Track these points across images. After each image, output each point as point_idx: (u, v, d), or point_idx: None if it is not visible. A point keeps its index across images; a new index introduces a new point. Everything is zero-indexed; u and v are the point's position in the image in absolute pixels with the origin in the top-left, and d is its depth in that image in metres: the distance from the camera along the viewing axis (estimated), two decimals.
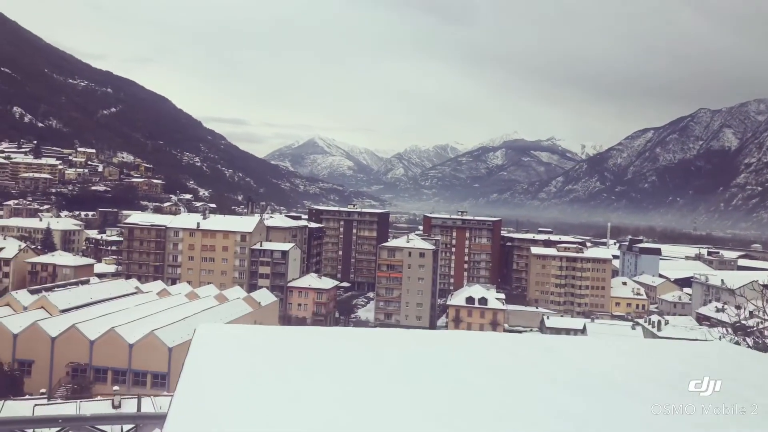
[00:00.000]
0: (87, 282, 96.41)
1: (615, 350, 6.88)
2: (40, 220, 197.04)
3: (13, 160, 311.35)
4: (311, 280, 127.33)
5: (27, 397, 55.36)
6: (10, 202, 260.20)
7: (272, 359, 5.06)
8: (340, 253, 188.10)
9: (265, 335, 6.20)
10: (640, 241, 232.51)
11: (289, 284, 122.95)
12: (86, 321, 71.02)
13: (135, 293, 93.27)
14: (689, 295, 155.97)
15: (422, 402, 4.47)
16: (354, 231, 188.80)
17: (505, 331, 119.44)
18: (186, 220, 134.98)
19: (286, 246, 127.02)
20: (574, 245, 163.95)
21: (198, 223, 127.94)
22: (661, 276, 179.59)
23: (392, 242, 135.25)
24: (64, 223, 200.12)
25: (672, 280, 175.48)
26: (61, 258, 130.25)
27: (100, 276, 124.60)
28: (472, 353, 5.90)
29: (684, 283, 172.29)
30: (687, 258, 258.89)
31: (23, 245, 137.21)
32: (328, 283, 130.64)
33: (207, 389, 4.32)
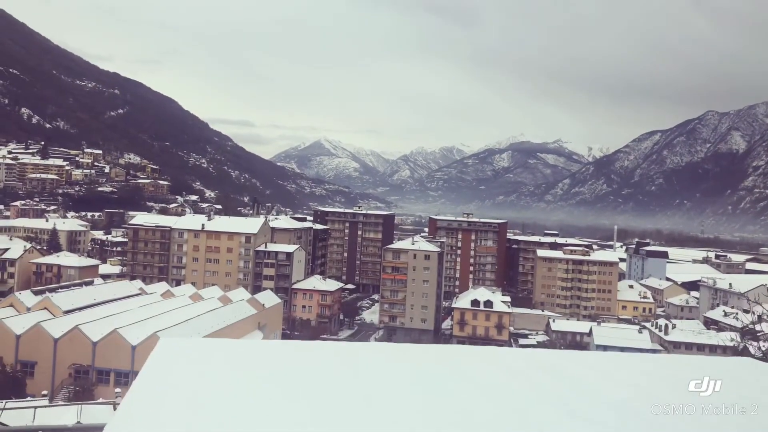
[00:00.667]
0: (91, 283, 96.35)
1: (618, 365, 6.37)
2: (47, 220, 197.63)
3: (21, 161, 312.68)
4: (316, 282, 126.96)
5: (28, 399, 55.14)
6: (17, 203, 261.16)
7: (229, 375, 4.69)
8: (345, 254, 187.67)
9: (229, 350, 5.78)
10: (647, 244, 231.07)
11: (294, 286, 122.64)
12: (89, 322, 70.78)
13: (139, 294, 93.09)
14: (696, 298, 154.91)
15: (390, 424, 4.03)
16: (359, 233, 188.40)
17: (511, 334, 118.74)
18: (191, 221, 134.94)
19: (290, 247, 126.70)
20: (581, 248, 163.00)
21: (203, 225, 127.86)
22: (668, 279, 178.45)
23: (397, 244, 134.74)
24: (70, 223, 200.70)
25: (679, 283, 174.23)
26: (66, 259, 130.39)
27: (105, 277, 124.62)
28: (458, 369, 5.40)
29: (691, 286, 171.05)
30: (694, 261, 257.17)
31: (29, 246, 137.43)
32: (332, 285, 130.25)
33: (152, 403, 4.06)
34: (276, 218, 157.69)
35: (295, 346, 6.24)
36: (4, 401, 51.83)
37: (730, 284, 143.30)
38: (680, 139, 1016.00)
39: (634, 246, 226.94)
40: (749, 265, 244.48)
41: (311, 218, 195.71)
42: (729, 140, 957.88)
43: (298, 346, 6.22)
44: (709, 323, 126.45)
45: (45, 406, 53.44)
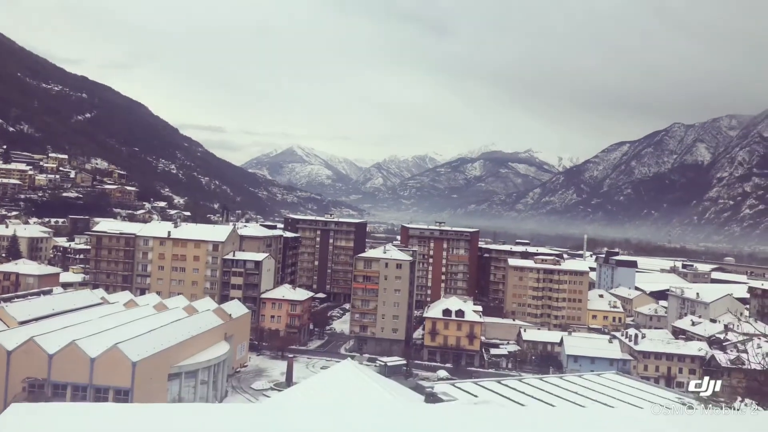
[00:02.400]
0: (49, 292, 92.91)
1: None
2: (6, 226, 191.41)
3: None
4: (285, 291, 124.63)
5: None
6: None
7: None
8: (316, 263, 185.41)
9: (86, 418, 4.36)
10: (617, 254, 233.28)
11: (263, 295, 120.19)
12: (46, 333, 67.81)
13: (100, 304, 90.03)
14: (665, 308, 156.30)
15: None
16: (331, 241, 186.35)
17: (482, 344, 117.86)
18: (157, 228, 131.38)
19: (259, 256, 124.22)
20: (552, 257, 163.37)
21: (169, 232, 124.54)
22: (637, 288, 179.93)
23: (369, 253, 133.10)
24: (31, 230, 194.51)
25: (648, 292, 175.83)
26: (24, 266, 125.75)
27: (66, 286, 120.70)
28: None
29: (659, 295, 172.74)
30: (662, 270, 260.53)
31: None
32: (302, 294, 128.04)
33: None
34: (245, 226, 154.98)
35: (180, 410, 4.83)
36: None
37: (698, 294, 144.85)
38: (648, 150, 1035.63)
39: (603, 255, 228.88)
40: (714, 275, 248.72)
41: (282, 226, 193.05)
42: (694, 152, 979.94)
43: (186, 410, 4.81)
44: (678, 332, 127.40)
45: None
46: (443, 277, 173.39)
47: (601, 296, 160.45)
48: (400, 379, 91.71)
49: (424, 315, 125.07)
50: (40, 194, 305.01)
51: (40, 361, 64.46)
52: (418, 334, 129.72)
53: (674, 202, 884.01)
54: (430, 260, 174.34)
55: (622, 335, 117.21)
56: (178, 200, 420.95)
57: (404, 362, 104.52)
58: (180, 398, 71.85)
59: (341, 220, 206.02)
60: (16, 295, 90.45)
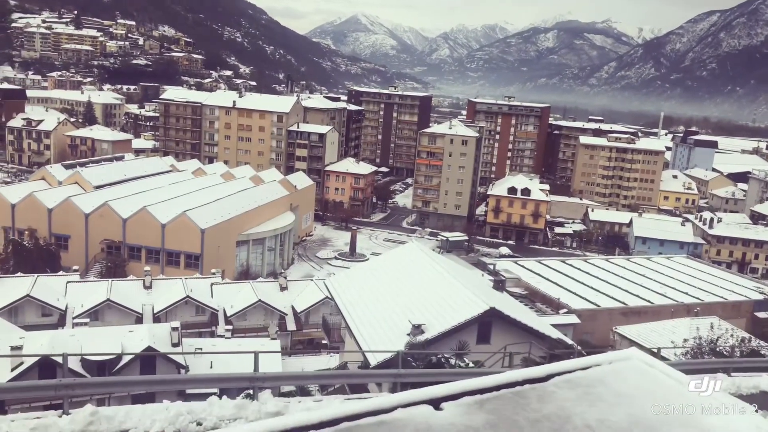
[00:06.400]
0: (121, 158, 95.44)
1: None
2: (82, 92, 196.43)
3: (55, 31, 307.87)
4: (349, 165, 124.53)
5: (61, 273, 55.47)
6: (54, 74, 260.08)
7: None
8: (380, 137, 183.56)
9: None
10: (696, 133, 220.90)
11: (327, 168, 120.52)
12: (119, 199, 70.21)
13: (170, 171, 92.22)
14: (744, 191, 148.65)
15: None
16: (395, 115, 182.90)
17: (547, 222, 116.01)
18: (222, 97, 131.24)
19: (323, 128, 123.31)
20: (626, 136, 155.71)
21: (234, 102, 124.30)
22: (714, 170, 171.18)
23: (434, 128, 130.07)
24: (105, 96, 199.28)
25: (726, 174, 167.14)
26: (99, 132, 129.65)
27: (138, 152, 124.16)
28: None
29: (738, 178, 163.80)
30: (743, 152, 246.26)
31: (62, 118, 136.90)
32: (366, 168, 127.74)
33: None
34: (309, 97, 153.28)
35: None
36: (36, 275, 52.06)
37: None
38: (740, 20, 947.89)
39: (681, 134, 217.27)
40: None
41: (345, 98, 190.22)
42: None
43: None
44: (756, 217, 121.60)
45: (76, 281, 53.67)
46: (509, 154, 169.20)
47: (675, 177, 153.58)
48: (461, 254, 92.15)
49: (489, 192, 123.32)
50: (111, 61, 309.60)
51: (115, 225, 67.22)
52: (480, 210, 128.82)
53: (764, 78, 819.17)
54: (497, 136, 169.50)
55: (696, 218, 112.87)
56: (243, 69, 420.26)
57: (466, 238, 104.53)
58: (248, 264, 74.48)
59: (405, 93, 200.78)
60: (91, 160, 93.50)
